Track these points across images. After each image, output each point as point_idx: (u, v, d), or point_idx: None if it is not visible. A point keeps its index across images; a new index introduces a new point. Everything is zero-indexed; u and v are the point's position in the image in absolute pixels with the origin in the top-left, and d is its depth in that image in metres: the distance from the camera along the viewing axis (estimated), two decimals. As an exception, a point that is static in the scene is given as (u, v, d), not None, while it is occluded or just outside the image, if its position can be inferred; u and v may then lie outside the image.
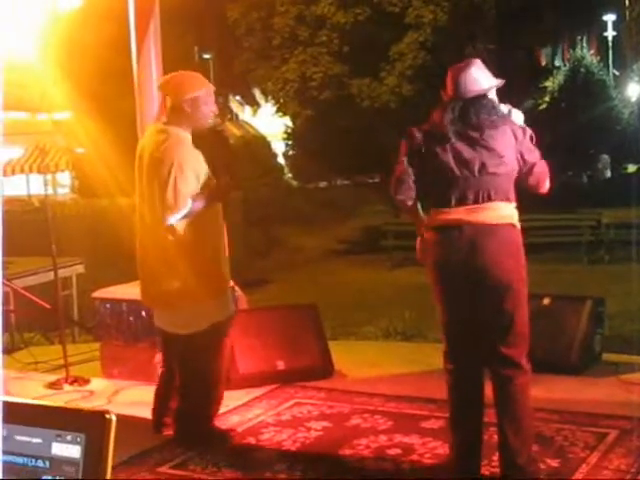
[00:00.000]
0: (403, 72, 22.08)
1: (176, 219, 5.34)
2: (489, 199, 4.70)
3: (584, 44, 33.66)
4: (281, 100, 23.72)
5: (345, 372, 7.05)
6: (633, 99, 34.09)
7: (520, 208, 4.84)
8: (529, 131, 4.85)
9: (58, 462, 1.45)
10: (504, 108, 4.93)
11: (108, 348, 7.21)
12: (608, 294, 7.62)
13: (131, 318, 7.03)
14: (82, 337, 9.64)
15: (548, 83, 31.55)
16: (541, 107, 29.89)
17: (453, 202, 4.73)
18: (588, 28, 36.20)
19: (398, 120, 22.55)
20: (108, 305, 7.17)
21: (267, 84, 23.39)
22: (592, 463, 5.04)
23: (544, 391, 5.76)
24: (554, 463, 4.91)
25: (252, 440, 5.71)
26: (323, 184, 30.70)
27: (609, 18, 39.17)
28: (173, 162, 5.32)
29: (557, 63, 36.38)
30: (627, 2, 34.95)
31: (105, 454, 1.43)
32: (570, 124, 26.66)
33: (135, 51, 7.05)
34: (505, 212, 4.75)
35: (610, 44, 39.15)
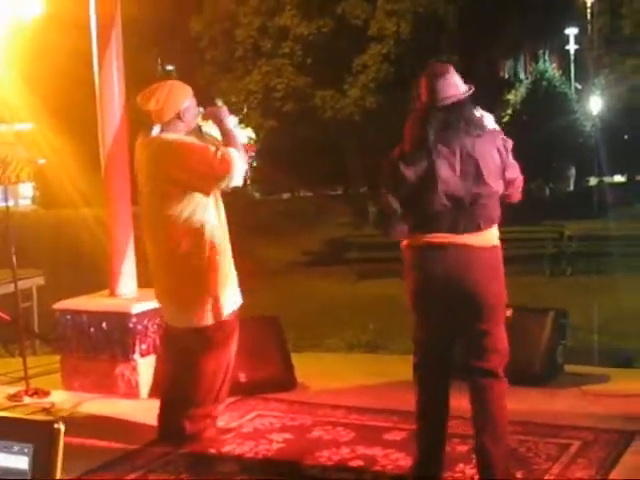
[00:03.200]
0: (366, 84, 22.18)
1: (240, 174, 5.57)
2: (478, 229, 4.63)
3: (546, 57, 33.91)
4: (244, 111, 23.71)
5: (308, 384, 7.01)
6: (595, 112, 34.36)
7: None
8: (510, 142, 4.75)
9: (5, 473, 1.41)
10: (476, 113, 4.78)
11: (69, 360, 7.13)
12: (570, 306, 7.63)
13: (92, 329, 6.96)
14: (43, 349, 9.54)
15: (510, 96, 31.76)
16: (504, 120, 30.07)
17: (439, 229, 4.63)
18: (550, 41, 36.45)
19: (361, 132, 22.65)
20: (69, 317, 7.10)
21: (230, 96, 23.37)
22: (555, 474, 5.04)
23: (509, 403, 5.72)
24: (518, 474, 4.90)
25: (214, 452, 5.66)
26: (286, 196, 30.69)
27: (571, 31, 39.48)
28: (199, 147, 5.58)
29: (519, 76, 36.60)
30: (589, 16, 35.25)
31: (54, 464, 1.40)
32: (532, 137, 26.82)
33: (97, 61, 7.00)
34: (490, 235, 4.70)
35: (572, 57, 39.44)
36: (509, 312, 6.89)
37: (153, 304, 6.91)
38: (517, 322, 6.84)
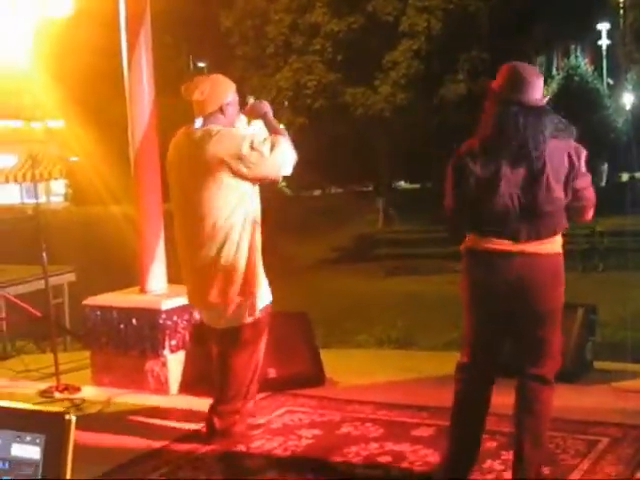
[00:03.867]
0: (397, 80, 22.13)
1: (291, 161, 5.59)
2: (541, 237, 4.55)
3: (578, 53, 33.75)
4: (275, 108, 23.73)
5: (336, 380, 7.01)
6: (627, 107, 34.16)
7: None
8: (584, 152, 4.60)
9: (18, 463, 1.44)
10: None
11: (98, 356, 7.18)
12: (601, 302, 7.60)
13: (122, 325, 7.01)
14: (74, 345, 9.62)
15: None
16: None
17: (502, 235, 4.56)
18: (582, 37, 36.25)
19: (391, 128, 22.61)
20: (98, 313, 7.14)
21: (261, 92, 23.40)
22: (583, 470, 5.02)
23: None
24: (545, 470, 4.88)
25: (242, 447, 5.68)
26: (317, 192, 30.76)
27: (603, 27, 39.29)
28: (249, 134, 5.59)
29: (552, 72, 36.45)
30: (621, 11, 35.03)
31: (65, 455, 1.42)
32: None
33: (126, 59, 7.03)
34: (554, 242, 4.63)
35: (604, 53, 39.24)
36: None
37: (183, 300, 6.95)
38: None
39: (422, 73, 21.92)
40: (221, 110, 5.62)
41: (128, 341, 6.98)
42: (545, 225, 4.56)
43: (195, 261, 5.66)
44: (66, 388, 7.00)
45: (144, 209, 7.13)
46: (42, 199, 26.86)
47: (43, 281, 7.78)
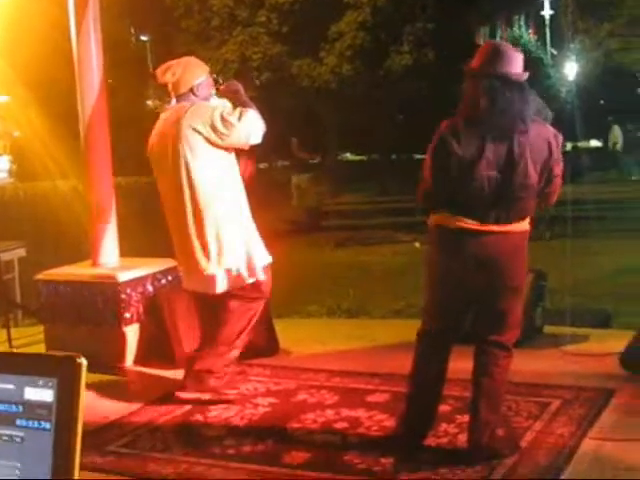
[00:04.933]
0: (343, 52, 22.13)
1: (260, 131, 5.82)
2: (510, 222, 4.63)
3: (522, 23, 33.92)
4: (220, 81, 23.65)
5: (290, 349, 7.08)
6: (570, 77, 34.43)
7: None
8: (561, 138, 4.70)
9: (31, 406, 1.49)
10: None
11: (53, 330, 7.17)
12: (549, 269, 7.70)
13: (75, 299, 7.00)
14: (24, 321, 9.57)
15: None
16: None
17: (471, 216, 4.62)
18: (526, 7, 36.43)
19: (337, 100, 22.63)
20: (52, 287, 7.13)
21: (207, 65, 23.25)
22: (536, 431, 5.13)
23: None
24: (499, 432, 4.97)
25: (200, 417, 5.73)
26: (263, 165, 30.66)
27: (546, -3, 39.47)
28: (220, 106, 5.83)
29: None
30: (563, -19, 35.24)
31: (77, 396, 1.47)
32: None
33: (74, 32, 6.99)
34: (523, 222, 4.72)
35: (547, 23, 39.46)
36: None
37: (136, 273, 6.99)
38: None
39: (368, 44, 21.93)
40: (192, 91, 5.89)
41: (82, 314, 6.98)
42: (515, 210, 4.64)
43: (184, 234, 5.86)
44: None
45: (94, 183, 7.11)
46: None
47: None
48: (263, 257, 6.00)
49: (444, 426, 5.24)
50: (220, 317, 5.95)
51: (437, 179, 4.68)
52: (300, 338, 7.49)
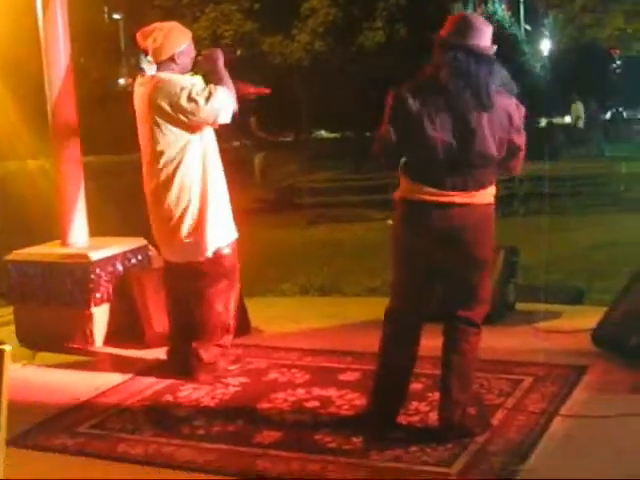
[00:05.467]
0: (315, 29, 22.02)
1: (229, 111, 5.75)
2: (468, 190, 4.58)
3: (495, -1, 33.82)
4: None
5: (262, 328, 7.05)
6: (544, 53, 34.43)
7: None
8: (523, 109, 4.67)
9: None
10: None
11: (22, 311, 7.10)
12: (523, 246, 7.68)
13: (45, 280, 6.93)
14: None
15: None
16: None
17: (435, 183, 4.58)
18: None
19: (310, 77, 22.53)
20: (20, 267, 7.06)
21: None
22: (508, 408, 5.12)
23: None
24: (471, 410, 4.95)
25: (170, 398, 5.69)
26: (235, 144, 30.50)
27: (520, -28, 39.38)
28: (188, 83, 5.75)
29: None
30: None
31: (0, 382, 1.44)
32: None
33: (41, 12, 6.89)
34: (487, 193, 4.68)
35: (521, -1, 39.39)
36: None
37: (105, 253, 6.93)
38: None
39: (340, 21, 21.83)
40: (173, 59, 5.79)
41: (52, 295, 6.91)
42: (474, 179, 4.59)
43: (151, 203, 5.94)
44: (-11, 344, 6.90)
45: (63, 162, 7.03)
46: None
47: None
48: (228, 234, 6.00)
49: (415, 404, 5.22)
50: (192, 299, 5.96)
51: (391, 131, 4.60)
52: (272, 317, 7.46)
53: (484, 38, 4.56)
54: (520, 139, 4.70)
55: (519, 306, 7.14)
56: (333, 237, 15.90)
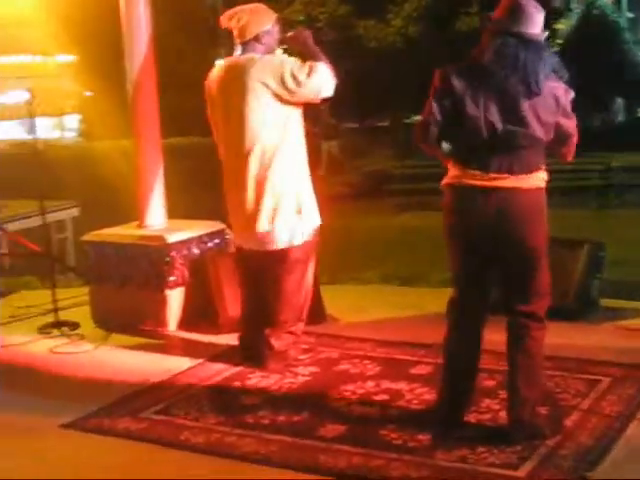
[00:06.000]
0: (410, 13, 21.80)
1: (331, 85, 5.71)
2: (514, 173, 4.45)
3: (598, -15, 33.11)
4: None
5: (338, 317, 6.92)
6: (648, 41, 33.58)
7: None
8: (571, 93, 4.51)
9: None
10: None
11: (97, 292, 7.11)
12: (615, 239, 7.43)
13: (120, 261, 6.92)
14: (78, 281, 9.53)
15: (561, 25, 31.10)
16: (554, 50, 29.45)
17: (480, 166, 4.48)
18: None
19: (404, 62, 22.29)
20: (98, 248, 7.06)
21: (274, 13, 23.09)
22: (583, 410, 4.92)
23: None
24: (543, 410, 4.77)
25: (237, 385, 5.62)
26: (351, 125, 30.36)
27: (624, -42, 38.53)
28: (285, 62, 5.68)
29: (570, 6, 35.81)
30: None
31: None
32: (583, 67, 26.28)
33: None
34: (535, 178, 4.52)
35: (625, -15, 38.54)
36: None
37: (182, 235, 6.89)
38: (551, 254, 6.69)
39: (435, 6, 21.57)
40: (257, 39, 5.76)
41: (127, 277, 6.90)
42: (519, 162, 4.45)
43: (242, 186, 5.79)
44: (64, 324, 6.92)
45: (142, 143, 7.02)
46: (56, 134, 26.75)
47: (46, 216, 7.66)
48: (313, 220, 5.93)
49: (487, 402, 5.05)
50: (267, 286, 5.88)
51: (435, 110, 4.50)
52: (350, 305, 7.33)
53: (535, 24, 4.42)
54: (569, 123, 4.53)
55: (605, 302, 6.87)
56: (422, 224, 15.68)
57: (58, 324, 6.91)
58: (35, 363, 6.28)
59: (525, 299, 4.58)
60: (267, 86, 5.63)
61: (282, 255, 5.83)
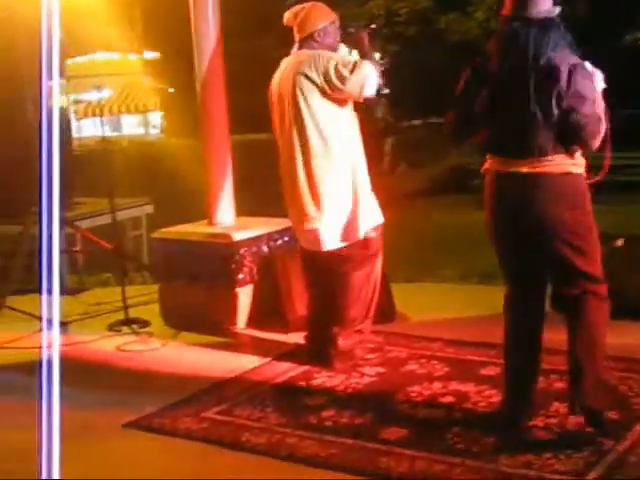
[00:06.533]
0: (491, 5, 21.54)
1: (373, 84, 5.69)
2: (540, 155, 4.32)
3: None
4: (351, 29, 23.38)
5: (409, 316, 6.80)
6: None
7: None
8: (588, 72, 4.32)
9: None
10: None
11: (166, 289, 7.09)
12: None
13: (189, 259, 6.90)
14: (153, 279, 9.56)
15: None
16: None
17: (501, 152, 4.44)
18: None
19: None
20: (167, 245, 7.05)
21: (353, 20, 23.04)
22: (656, 415, 4.75)
23: (612, 337, 5.34)
24: (613, 414, 4.61)
25: (303, 385, 5.55)
26: (417, 122, 30.21)
27: None
28: (331, 57, 5.67)
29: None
30: None
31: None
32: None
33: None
34: (562, 163, 4.36)
35: None
36: (620, 242, 6.56)
37: (251, 233, 6.85)
38: (628, 252, 6.51)
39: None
40: (313, 36, 5.76)
41: (195, 275, 6.87)
42: (536, 145, 4.32)
43: (294, 183, 5.78)
44: (134, 322, 6.92)
45: (210, 141, 7.01)
46: (140, 131, 27.00)
47: (119, 214, 7.70)
48: (371, 218, 5.85)
49: (556, 405, 4.89)
50: (334, 284, 5.82)
51: (459, 100, 4.53)
52: (422, 304, 7.21)
53: (540, 3, 4.34)
54: (582, 106, 4.27)
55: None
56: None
57: (128, 322, 6.91)
58: (102, 361, 6.29)
59: (570, 282, 4.45)
60: (313, 81, 5.63)
61: (338, 254, 5.77)
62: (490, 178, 4.52)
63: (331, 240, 5.75)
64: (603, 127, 4.34)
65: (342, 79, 5.60)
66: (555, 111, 4.27)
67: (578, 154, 4.40)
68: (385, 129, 23.55)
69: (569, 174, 4.36)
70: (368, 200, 5.86)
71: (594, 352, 4.45)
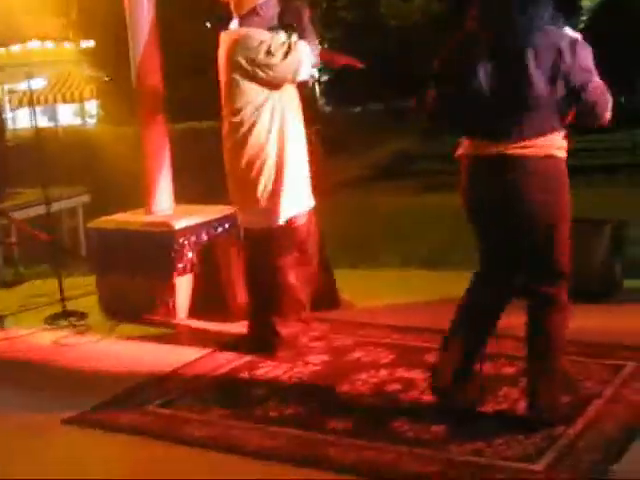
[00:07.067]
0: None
1: (307, 67, 5.59)
2: (524, 137, 4.19)
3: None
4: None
5: (355, 302, 6.68)
6: None
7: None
8: (583, 47, 4.16)
9: None
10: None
11: (104, 280, 6.93)
12: (636, 219, 7.12)
13: (127, 248, 6.73)
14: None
15: (586, 1, 30.68)
16: (579, 27, 29.04)
17: (484, 134, 4.29)
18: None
19: (428, 40, 22.06)
20: (103, 235, 6.88)
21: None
22: (605, 398, 4.67)
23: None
24: (564, 399, 4.53)
25: (246, 375, 5.41)
26: (357, 109, 30.13)
27: None
28: (262, 40, 5.51)
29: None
30: None
31: None
32: (608, 43, 25.86)
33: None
34: (545, 146, 4.23)
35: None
36: None
37: (190, 221, 6.69)
38: (573, 235, 6.44)
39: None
40: (255, 11, 5.58)
41: (134, 264, 6.71)
42: (529, 124, 4.18)
43: (227, 163, 5.74)
44: (72, 314, 6.74)
45: (148, 128, 6.86)
46: (77, 120, 26.63)
47: (55, 204, 7.51)
48: (297, 204, 5.74)
49: (505, 390, 4.81)
50: (265, 271, 5.73)
51: (436, 80, 4.39)
52: (368, 290, 7.10)
53: None
54: (584, 79, 4.14)
55: (627, 284, 6.60)
56: (448, 204, 15.39)
57: (65, 314, 6.73)
58: (37, 355, 6.11)
59: (542, 278, 4.35)
60: (240, 65, 5.50)
61: (276, 236, 5.67)
62: (467, 162, 4.40)
63: (247, 222, 5.76)
64: (610, 98, 4.23)
65: (274, 62, 5.48)
66: (561, 90, 4.13)
67: (561, 136, 4.29)
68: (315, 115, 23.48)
69: (552, 156, 4.25)
70: (294, 186, 5.70)
71: (551, 355, 4.40)
